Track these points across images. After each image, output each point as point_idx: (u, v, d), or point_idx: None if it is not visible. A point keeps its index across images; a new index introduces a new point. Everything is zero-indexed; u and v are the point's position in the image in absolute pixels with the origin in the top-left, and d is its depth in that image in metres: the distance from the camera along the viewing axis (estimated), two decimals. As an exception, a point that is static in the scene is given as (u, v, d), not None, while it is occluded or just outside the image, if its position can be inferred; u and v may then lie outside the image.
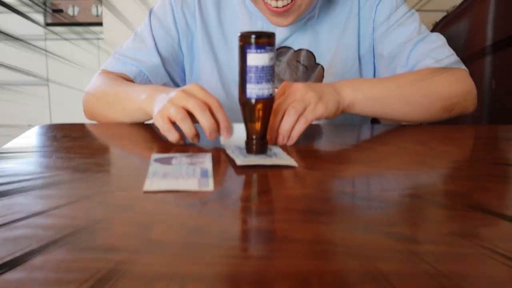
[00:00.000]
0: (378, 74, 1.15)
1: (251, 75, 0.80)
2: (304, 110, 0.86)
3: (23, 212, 0.63)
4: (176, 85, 1.21)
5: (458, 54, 1.10)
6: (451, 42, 1.12)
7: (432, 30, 2.08)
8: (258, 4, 1.05)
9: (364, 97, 0.95)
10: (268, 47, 0.80)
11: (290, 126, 0.86)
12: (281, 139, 0.87)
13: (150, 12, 1.17)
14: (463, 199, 0.68)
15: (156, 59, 1.12)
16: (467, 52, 2.10)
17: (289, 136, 0.87)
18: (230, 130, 0.86)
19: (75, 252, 0.54)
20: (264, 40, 0.79)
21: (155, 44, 1.13)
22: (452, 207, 0.66)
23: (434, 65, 1.03)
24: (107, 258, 0.52)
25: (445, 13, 2.17)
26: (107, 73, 1.12)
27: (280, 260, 0.52)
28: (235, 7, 1.14)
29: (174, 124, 0.85)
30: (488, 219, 0.62)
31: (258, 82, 0.80)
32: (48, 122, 3.55)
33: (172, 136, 0.86)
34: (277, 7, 1.01)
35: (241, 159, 0.80)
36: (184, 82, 1.21)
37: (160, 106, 0.86)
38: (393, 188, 0.71)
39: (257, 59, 0.80)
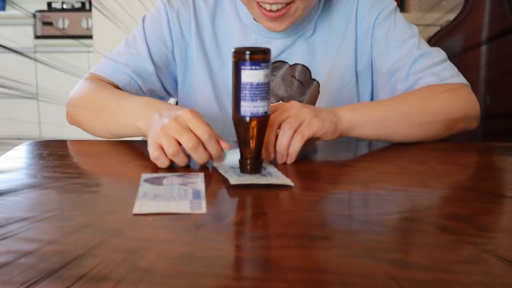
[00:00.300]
0: (376, 91, 1.12)
1: (245, 93, 0.78)
2: (299, 126, 0.83)
3: (5, 239, 0.60)
4: (168, 93, 1.18)
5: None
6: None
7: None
8: (252, 9, 1.03)
9: (362, 120, 0.92)
10: (263, 64, 0.77)
11: (286, 143, 0.83)
12: (279, 158, 0.85)
13: (144, 18, 1.14)
14: (467, 222, 0.65)
15: (149, 66, 1.10)
16: (461, 67, 2.09)
17: (287, 154, 0.84)
18: (222, 158, 0.84)
19: (60, 282, 0.51)
20: (259, 56, 0.77)
21: (149, 50, 1.10)
22: (455, 231, 0.63)
23: (435, 81, 1.01)
24: (93, 289, 0.49)
25: (438, 28, 2.16)
26: (96, 78, 1.08)
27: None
28: (229, 19, 1.12)
29: None
30: (494, 243, 0.59)
31: (252, 100, 0.78)
32: (37, 134, 3.51)
33: (161, 163, 0.83)
34: (271, 10, 0.99)
35: (235, 179, 0.77)
36: (176, 92, 1.18)
37: (153, 133, 0.83)
38: (393, 211, 0.69)
39: (251, 76, 0.77)
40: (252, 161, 0.80)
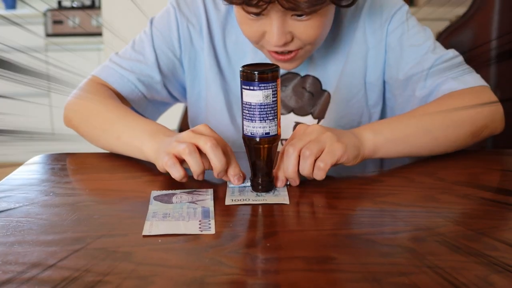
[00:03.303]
0: (393, 99, 1.11)
1: (245, 112, 0.78)
2: (320, 152, 0.80)
3: (18, 264, 0.61)
4: (174, 99, 1.18)
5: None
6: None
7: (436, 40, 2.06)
8: (262, 50, 1.01)
9: (386, 140, 0.88)
10: (262, 84, 0.75)
11: (308, 171, 0.80)
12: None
13: (151, 21, 1.12)
14: (475, 241, 0.66)
15: (156, 75, 1.09)
16: (471, 62, 2.08)
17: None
18: (241, 177, 0.81)
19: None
20: (257, 76, 0.75)
21: (157, 59, 1.09)
22: (463, 251, 0.63)
23: (456, 86, 0.98)
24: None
25: (448, 23, 2.14)
26: (99, 83, 1.07)
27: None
28: (240, 32, 1.10)
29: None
30: (501, 265, 0.60)
31: (252, 120, 0.77)
32: (50, 129, 3.53)
33: (176, 172, 0.80)
34: (282, 53, 0.97)
35: (231, 198, 0.78)
36: (184, 97, 1.18)
37: (166, 147, 0.82)
38: (401, 229, 0.69)
39: (250, 96, 0.76)
40: (264, 180, 0.80)
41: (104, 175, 0.92)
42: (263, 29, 0.94)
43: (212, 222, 0.71)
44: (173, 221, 0.71)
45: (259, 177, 0.80)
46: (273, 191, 0.81)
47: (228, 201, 0.77)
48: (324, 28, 0.97)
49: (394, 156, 0.91)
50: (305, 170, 0.80)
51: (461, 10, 2.12)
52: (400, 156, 0.92)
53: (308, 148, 0.79)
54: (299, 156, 0.80)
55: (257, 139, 0.78)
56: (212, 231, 0.69)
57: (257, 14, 0.92)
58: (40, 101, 3.51)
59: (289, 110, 1.12)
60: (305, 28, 0.93)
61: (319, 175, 0.80)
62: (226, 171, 0.81)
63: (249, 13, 0.92)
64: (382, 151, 0.89)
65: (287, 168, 0.80)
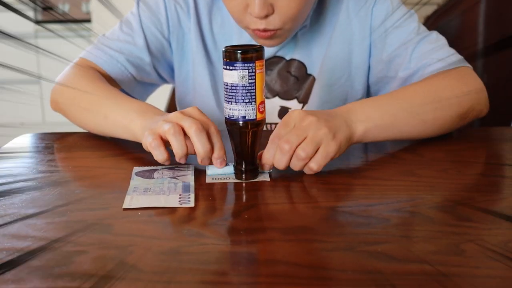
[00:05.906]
0: (375, 81, 1.11)
1: (223, 92, 0.76)
2: (315, 152, 0.78)
3: (-2, 236, 0.62)
4: (164, 80, 1.18)
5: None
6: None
7: (423, 24, 2.07)
8: (247, 30, 1.01)
9: (375, 126, 0.86)
10: (238, 64, 0.73)
11: (300, 169, 0.79)
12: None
13: (138, 2, 1.12)
14: (449, 213, 0.67)
15: (146, 57, 1.09)
16: (459, 47, 2.08)
17: None
18: (224, 161, 0.79)
19: (52, 280, 0.53)
20: (235, 55, 0.73)
21: (146, 40, 1.08)
22: (437, 222, 0.64)
23: (440, 67, 0.99)
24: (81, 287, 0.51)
25: (435, 7, 2.15)
26: (87, 65, 1.05)
27: (260, 286, 0.51)
28: (226, 14, 1.09)
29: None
30: (473, 234, 0.61)
31: (228, 101, 0.75)
32: (40, 120, 3.53)
33: (160, 154, 0.78)
34: (258, 30, 0.97)
35: (211, 177, 0.79)
36: (172, 78, 1.17)
37: (153, 125, 0.81)
38: (378, 202, 0.70)
39: (227, 76, 0.74)
40: (247, 168, 0.78)
41: (88, 153, 0.93)
42: (246, 2, 0.94)
43: (192, 195, 0.72)
44: (153, 195, 0.72)
45: (242, 164, 0.78)
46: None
47: (208, 180, 0.78)
48: (306, 4, 0.97)
49: (382, 140, 0.90)
50: (296, 168, 0.79)
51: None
52: (388, 140, 0.91)
53: (304, 149, 0.77)
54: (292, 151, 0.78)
55: (236, 122, 0.76)
56: (192, 204, 0.69)
57: None
58: (30, 89, 3.50)
59: (274, 94, 1.12)
60: (288, 1, 0.94)
61: (310, 172, 0.79)
62: (210, 158, 0.79)
63: None
64: (370, 136, 0.87)
65: (278, 163, 0.78)
